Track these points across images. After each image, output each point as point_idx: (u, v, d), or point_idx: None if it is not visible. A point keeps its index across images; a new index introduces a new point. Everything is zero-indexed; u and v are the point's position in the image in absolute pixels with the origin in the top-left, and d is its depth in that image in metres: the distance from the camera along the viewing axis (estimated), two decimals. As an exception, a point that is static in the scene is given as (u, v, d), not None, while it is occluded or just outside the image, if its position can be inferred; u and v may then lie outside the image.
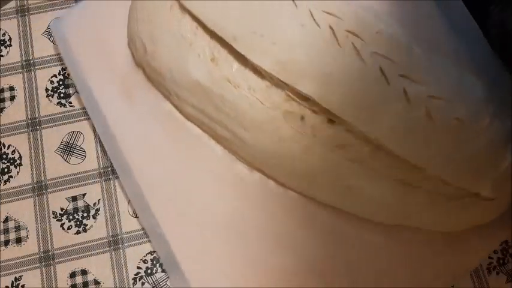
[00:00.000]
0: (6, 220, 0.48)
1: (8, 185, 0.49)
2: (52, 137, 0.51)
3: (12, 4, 0.56)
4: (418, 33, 0.43)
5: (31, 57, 0.54)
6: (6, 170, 0.50)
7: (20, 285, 0.46)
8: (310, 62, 0.41)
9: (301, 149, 0.42)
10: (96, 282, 0.46)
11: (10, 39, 0.54)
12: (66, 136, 0.51)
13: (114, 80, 0.49)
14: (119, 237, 0.48)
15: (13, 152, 0.50)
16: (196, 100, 0.44)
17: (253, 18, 0.42)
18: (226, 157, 0.46)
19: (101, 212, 0.48)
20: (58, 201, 0.49)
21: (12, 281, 0.46)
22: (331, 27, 0.41)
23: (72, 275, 0.46)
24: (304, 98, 0.41)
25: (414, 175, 0.41)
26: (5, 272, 0.46)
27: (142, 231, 0.48)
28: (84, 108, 0.50)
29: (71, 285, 0.46)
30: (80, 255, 0.47)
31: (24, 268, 0.46)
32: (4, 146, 0.51)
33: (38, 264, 0.46)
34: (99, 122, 0.48)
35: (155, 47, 0.45)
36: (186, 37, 0.44)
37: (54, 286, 0.46)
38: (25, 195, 0.49)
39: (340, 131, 0.41)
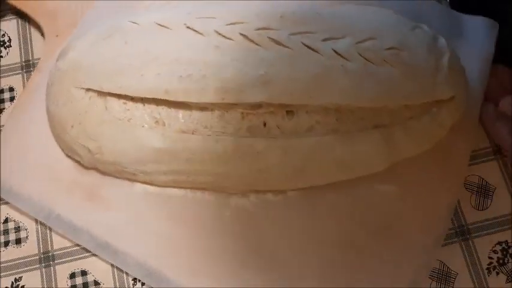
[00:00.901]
0: (6, 221, 0.48)
1: (8, 186, 0.49)
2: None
3: (11, 5, 0.56)
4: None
5: (30, 58, 0.54)
6: (6, 171, 0.50)
7: (20, 286, 0.46)
8: (244, 73, 0.43)
9: (281, 152, 0.43)
10: (96, 283, 0.46)
11: (10, 40, 0.54)
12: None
13: (73, 191, 0.46)
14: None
15: (13, 152, 0.51)
16: (165, 166, 0.44)
17: (170, 64, 0.44)
18: (217, 198, 0.46)
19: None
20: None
21: (12, 282, 0.46)
22: (242, 34, 0.44)
23: (72, 275, 0.46)
24: (258, 106, 0.44)
25: (382, 115, 0.45)
26: (5, 273, 0.46)
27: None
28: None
29: (71, 286, 0.46)
30: (80, 256, 0.47)
31: (24, 269, 0.46)
32: (4, 147, 0.51)
33: (37, 265, 0.47)
34: (85, 240, 0.45)
35: (99, 143, 0.44)
36: (122, 117, 0.44)
37: (54, 287, 0.46)
38: (25, 196, 0.49)
39: (301, 116, 0.44)
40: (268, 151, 0.43)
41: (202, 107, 0.44)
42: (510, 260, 0.46)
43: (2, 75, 0.53)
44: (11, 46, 0.54)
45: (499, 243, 0.47)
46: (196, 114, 0.44)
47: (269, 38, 0.44)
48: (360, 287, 0.44)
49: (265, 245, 0.45)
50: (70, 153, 0.47)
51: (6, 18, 0.55)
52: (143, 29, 0.46)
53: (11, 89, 0.53)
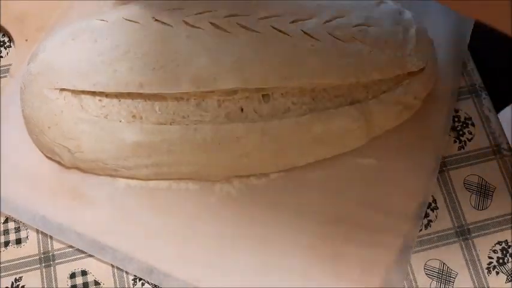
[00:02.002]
0: (6, 221, 0.48)
1: (8, 186, 0.49)
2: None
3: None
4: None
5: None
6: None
7: (20, 286, 0.46)
8: (217, 60, 0.44)
9: (260, 135, 0.44)
10: (96, 283, 0.46)
11: (10, 40, 0.54)
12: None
13: (57, 192, 0.47)
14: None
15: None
16: (146, 159, 0.44)
17: (142, 57, 0.44)
18: (202, 187, 0.46)
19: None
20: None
21: (12, 282, 0.46)
22: (211, 23, 0.45)
23: (72, 275, 0.46)
24: (233, 92, 0.44)
25: (356, 91, 0.46)
26: (5, 273, 0.46)
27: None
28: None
29: (71, 286, 0.46)
30: (80, 255, 0.47)
31: (24, 269, 0.46)
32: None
33: (38, 265, 0.46)
34: (73, 239, 0.46)
35: (77, 141, 0.44)
36: (98, 114, 0.44)
37: (54, 287, 0.46)
38: (25, 196, 0.49)
39: (277, 98, 0.45)
40: (248, 135, 0.44)
41: (178, 97, 0.44)
42: (510, 260, 0.46)
43: (1, 75, 0.53)
44: (10, 46, 0.54)
45: (499, 242, 0.46)
46: (172, 105, 0.44)
47: (238, 24, 0.45)
48: (349, 259, 0.45)
49: (253, 227, 0.45)
50: (50, 155, 0.47)
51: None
52: (112, 26, 0.46)
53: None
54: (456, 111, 0.50)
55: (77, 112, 0.44)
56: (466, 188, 0.48)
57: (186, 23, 0.45)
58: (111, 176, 0.47)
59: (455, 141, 0.49)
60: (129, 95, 0.44)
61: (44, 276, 0.46)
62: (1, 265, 0.46)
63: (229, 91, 0.44)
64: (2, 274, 0.46)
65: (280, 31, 0.45)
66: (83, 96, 0.45)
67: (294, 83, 0.44)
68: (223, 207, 0.46)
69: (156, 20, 0.45)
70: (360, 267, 0.45)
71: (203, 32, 0.45)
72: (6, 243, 0.47)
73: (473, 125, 0.50)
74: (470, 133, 0.50)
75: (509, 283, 0.46)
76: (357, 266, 0.45)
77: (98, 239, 0.45)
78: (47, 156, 0.47)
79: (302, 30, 0.45)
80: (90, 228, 0.46)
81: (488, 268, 0.46)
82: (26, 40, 0.52)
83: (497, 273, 0.46)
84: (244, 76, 0.43)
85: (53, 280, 0.46)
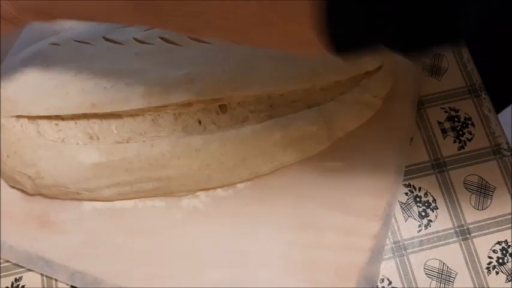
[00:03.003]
0: (6, 221, 0.48)
1: (7, 186, 0.49)
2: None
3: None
4: None
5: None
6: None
7: (20, 285, 0.46)
8: (168, 74, 0.44)
9: (219, 145, 0.44)
10: (96, 283, 0.46)
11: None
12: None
13: (23, 221, 0.46)
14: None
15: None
16: (106, 180, 0.44)
17: (93, 77, 0.44)
18: (168, 203, 0.46)
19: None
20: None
21: (12, 282, 0.46)
22: (161, 37, 0.45)
23: (72, 275, 0.46)
24: (189, 105, 0.44)
25: (314, 94, 0.46)
26: (5, 273, 0.46)
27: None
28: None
29: (71, 285, 0.46)
30: (80, 256, 0.46)
31: (24, 269, 0.46)
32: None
33: (38, 265, 0.46)
34: (41, 266, 0.45)
35: (37, 168, 0.44)
36: (55, 138, 0.44)
37: (54, 286, 0.46)
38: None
39: (235, 108, 0.45)
40: (206, 147, 0.44)
41: (133, 114, 0.44)
42: (510, 260, 0.46)
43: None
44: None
45: (499, 242, 0.47)
46: (128, 122, 0.44)
47: (189, 37, 0.45)
48: (322, 263, 0.44)
49: (222, 240, 0.45)
50: (12, 183, 0.46)
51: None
52: (63, 48, 0.46)
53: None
54: (456, 111, 0.50)
55: (34, 138, 0.44)
56: (466, 188, 0.48)
57: (136, 39, 0.45)
58: (75, 199, 0.46)
59: (455, 141, 0.49)
60: (85, 116, 0.44)
61: (44, 276, 0.46)
62: (1, 265, 0.46)
63: (184, 104, 0.44)
64: (2, 274, 0.46)
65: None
66: (39, 121, 0.44)
67: (248, 91, 0.44)
68: (189, 222, 0.45)
69: (106, 39, 0.46)
70: (333, 270, 0.44)
71: (153, 48, 0.45)
72: (6, 243, 0.47)
73: (473, 125, 0.50)
74: (470, 133, 0.50)
75: (509, 283, 0.46)
76: (330, 270, 0.44)
77: (67, 264, 0.45)
78: (9, 185, 0.47)
79: None
80: (58, 255, 0.45)
81: (488, 268, 0.46)
82: None
83: (497, 273, 0.46)
84: (197, 88, 0.43)
85: (53, 280, 0.46)
